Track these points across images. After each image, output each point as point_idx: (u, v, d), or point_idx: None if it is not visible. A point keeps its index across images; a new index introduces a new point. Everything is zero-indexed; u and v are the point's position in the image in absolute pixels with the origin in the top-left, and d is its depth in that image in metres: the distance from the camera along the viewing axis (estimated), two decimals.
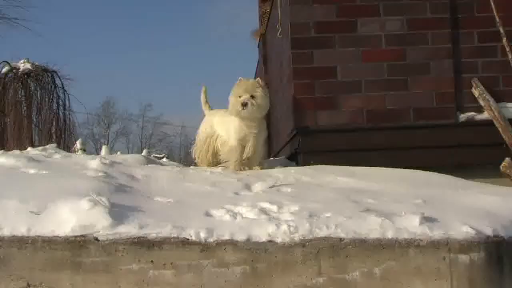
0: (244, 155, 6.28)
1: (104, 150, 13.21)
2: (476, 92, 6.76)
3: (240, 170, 6.14)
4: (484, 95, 6.69)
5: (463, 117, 6.82)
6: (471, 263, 4.32)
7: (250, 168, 6.23)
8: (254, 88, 6.17)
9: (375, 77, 6.85)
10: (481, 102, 6.72)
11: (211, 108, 7.07)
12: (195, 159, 6.98)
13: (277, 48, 9.01)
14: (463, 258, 4.31)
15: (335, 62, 6.86)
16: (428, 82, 6.84)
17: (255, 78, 13.08)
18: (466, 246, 4.32)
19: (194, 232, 4.28)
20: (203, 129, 6.88)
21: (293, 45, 6.93)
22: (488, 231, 4.43)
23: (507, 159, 6.28)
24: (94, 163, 5.82)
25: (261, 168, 6.26)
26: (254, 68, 15.05)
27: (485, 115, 6.73)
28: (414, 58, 6.88)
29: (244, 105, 6.02)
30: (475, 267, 4.33)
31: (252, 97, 6.10)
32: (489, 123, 6.63)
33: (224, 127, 6.54)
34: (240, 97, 6.09)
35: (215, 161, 6.73)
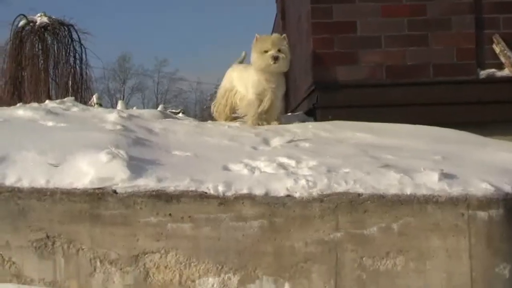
0: (260, 108, 6.26)
1: (120, 105, 13.13)
2: (497, 49, 6.71)
3: (258, 124, 6.14)
4: (505, 51, 6.64)
5: (483, 73, 6.79)
6: (490, 220, 4.32)
7: (268, 123, 6.22)
8: (282, 42, 6.15)
9: (395, 32, 6.80)
10: (502, 59, 6.67)
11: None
12: (213, 113, 6.98)
13: (295, 2, 8.96)
14: (482, 214, 4.31)
15: (355, 16, 6.82)
16: (448, 37, 6.80)
17: (272, 33, 13.07)
18: (484, 202, 4.32)
19: (212, 186, 4.30)
20: (223, 84, 6.88)
21: None
22: (507, 188, 4.42)
23: None
24: (112, 116, 5.84)
25: (279, 123, 6.24)
26: (272, 24, 14.99)
27: (506, 72, 6.70)
28: (434, 13, 6.82)
29: (276, 59, 5.99)
30: (494, 224, 4.33)
31: (279, 51, 6.08)
32: (510, 80, 6.60)
33: (242, 82, 6.51)
34: (266, 51, 6.05)
35: (233, 116, 6.74)
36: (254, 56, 6.12)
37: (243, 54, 7.03)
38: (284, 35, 6.34)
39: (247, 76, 6.39)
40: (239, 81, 6.60)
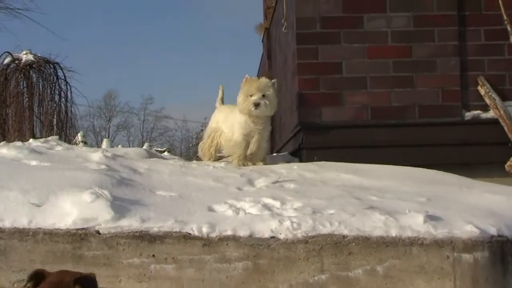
0: (249, 151, 6.26)
1: (105, 143, 13.21)
2: (482, 90, 6.75)
3: (244, 165, 6.14)
4: (490, 93, 6.68)
5: (468, 115, 6.82)
6: (475, 262, 4.33)
7: (253, 164, 6.22)
8: (267, 87, 6.12)
9: (381, 73, 6.84)
10: (487, 101, 6.71)
11: (222, 104, 7.05)
12: (199, 152, 7.00)
13: (282, 43, 9.02)
14: (467, 257, 4.32)
15: (341, 57, 6.85)
16: (434, 79, 6.83)
17: (258, 73, 13.08)
18: (470, 245, 4.33)
19: (196, 227, 4.30)
20: (210, 125, 6.90)
21: (298, 40, 6.92)
22: (493, 231, 4.45)
23: None
24: (96, 155, 5.84)
25: (264, 164, 6.24)
26: (258, 63, 15.05)
27: (490, 114, 6.73)
28: (420, 55, 6.87)
29: (257, 105, 5.99)
30: (479, 266, 4.34)
31: (264, 96, 6.07)
32: (494, 122, 6.63)
33: (228, 123, 6.51)
34: (251, 96, 6.05)
35: (218, 156, 6.78)
36: (239, 98, 6.12)
37: (220, 88, 7.11)
38: (274, 80, 6.33)
39: (233, 117, 6.38)
40: (224, 122, 6.60)
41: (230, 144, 6.34)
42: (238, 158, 6.22)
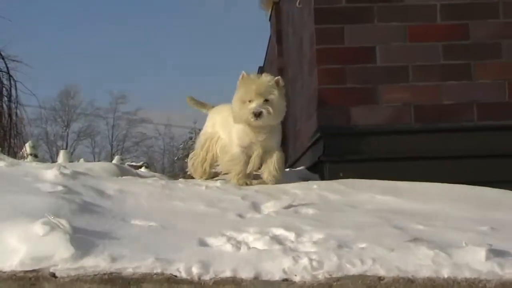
0: (248, 169, 6.17)
1: (62, 156, 13.23)
2: None
3: (246, 184, 6.09)
4: None
5: None
6: None
7: (259, 183, 6.20)
8: (270, 89, 5.81)
9: (427, 61, 6.86)
10: None
11: (212, 106, 6.88)
12: (189, 168, 6.93)
13: (296, 22, 9.04)
14: None
15: (374, 41, 6.88)
16: (498, 68, 6.85)
17: (264, 62, 13.05)
18: None
19: (184, 267, 4.30)
20: (204, 130, 6.82)
21: (317, 17, 6.94)
22: None
23: None
24: (50, 173, 5.84)
25: (274, 183, 6.11)
26: (264, 50, 15.02)
27: None
28: (480, 37, 6.89)
29: (257, 115, 5.68)
30: None
31: (266, 100, 5.79)
32: None
33: (226, 128, 6.36)
34: (250, 101, 5.75)
35: (213, 172, 6.74)
36: (234, 104, 5.83)
37: (187, 99, 7.07)
38: (278, 77, 6.05)
39: (232, 122, 6.10)
40: (222, 126, 6.49)
41: (227, 158, 6.21)
42: (237, 176, 6.14)
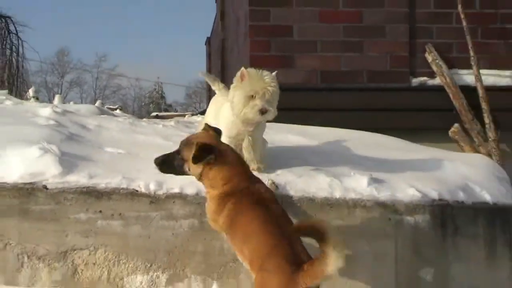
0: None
1: (57, 99, 13.00)
2: (429, 58, 6.79)
3: None
4: (437, 61, 6.72)
5: (415, 81, 6.87)
6: (416, 225, 4.39)
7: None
8: (274, 87, 4.47)
9: (331, 37, 6.83)
10: (434, 68, 6.75)
11: (221, 86, 5.20)
12: None
13: (235, 4, 8.96)
14: (409, 219, 4.38)
15: (292, 21, 6.82)
16: (383, 45, 6.85)
17: (211, 33, 12.85)
18: (411, 208, 4.40)
19: (144, 184, 4.29)
20: (205, 118, 5.32)
21: (250, 1, 6.87)
22: (434, 195, 4.52)
23: (456, 125, 6.36)
24: (45, 111, 5.75)
25: (264, 167, 4.69)
26: (211, 25, 14.95)
27: (437, 81, 6.77)
28: (370, 21, 6.87)
29: (265, 112, 4.39)
30: (420, 229, 4.40)
31: (269, 98, 4.46)
32: (440, 89, 6.68)
33: (217, 119, 4.89)
34: (253, 97, 4.41)
35: None
36: (236, 99, 4.45)
37: (201, 73, 5.49)
38: (275, 72, 4.59)
39: (223, 114, 4.77)
40: (215, 117, 4.96)
41: None
42: None
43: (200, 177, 3.83)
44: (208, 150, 3.74)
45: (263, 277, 3.33)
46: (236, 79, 4.42)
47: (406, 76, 6.86)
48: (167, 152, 3.95)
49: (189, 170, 3.83)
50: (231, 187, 3.72)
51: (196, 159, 3.71)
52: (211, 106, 5.11)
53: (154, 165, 3.92)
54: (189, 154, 3.77)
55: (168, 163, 3.92)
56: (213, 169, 3.75)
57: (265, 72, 4.49)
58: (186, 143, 3.89)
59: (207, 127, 4.07)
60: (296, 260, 3.30)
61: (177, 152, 3.90)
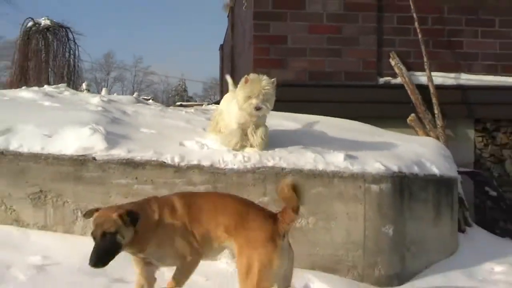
0: (248, 142, 4.79)
1: (103, 92, 12.97)
2: (392, 62, 6.77)
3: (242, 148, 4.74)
4: (399, 64, 6.70)
5: (382, 80, 6.84)
6: (380, 191, 4.41)
7: (252, 147, 4.80)
8: (269, 89, 4.60)
9: (318, 45, 6.79)
10: (396, 70, 6.74)
11: (235, 85, 5.08)
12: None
13: (242, 19, 8.91)
14: (375, 187, 4.40)
15: (287, 32, 6.79)
16: (357, 52, 6.81)
17: (224, 41, 12.78)
18: (377, 178, 4.41)
19: (170, 157, 4.30)
20: (219, 108, 5.38)
21: (255, 16, 6.83)
22: (395, 168, 4.54)
23: (412, 114, 6.37)
24: (95, 100, 5.76)
25: (261, 149, 4.72)
26: (223, 34, 14.90)
27: (398, 80, 6.75)
28: (348, 33, 6.83)
29: (259, 109, 4.52)
30: (383, 195, 4.41)
31: (264, 96, 4.58)
32: (401, 86, 6.66)
33: (227, 113, 5.02)
34: (252, 96, 4.53)
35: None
36: (239, 97, 4.58)
37: (225, 79, 5.67)
38: (274, 79, 4.68)
39: (232, 107, 4.88)
40: (226, 113, 5.01)
41: (226, 133, 4.84)
42: (235, 144, 4.69)
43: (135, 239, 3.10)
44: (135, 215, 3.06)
45: (250, 235, 3.15)
46: (241, 82, 4.52)
47: (374, 76, 6.82)
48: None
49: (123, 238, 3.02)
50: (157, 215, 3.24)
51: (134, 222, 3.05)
52: (224, 101, 5.17)
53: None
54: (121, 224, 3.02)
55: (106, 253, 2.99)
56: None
57: (264, 77, 4.56)
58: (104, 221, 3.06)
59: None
60: (270, 214, 3.24)
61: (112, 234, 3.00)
